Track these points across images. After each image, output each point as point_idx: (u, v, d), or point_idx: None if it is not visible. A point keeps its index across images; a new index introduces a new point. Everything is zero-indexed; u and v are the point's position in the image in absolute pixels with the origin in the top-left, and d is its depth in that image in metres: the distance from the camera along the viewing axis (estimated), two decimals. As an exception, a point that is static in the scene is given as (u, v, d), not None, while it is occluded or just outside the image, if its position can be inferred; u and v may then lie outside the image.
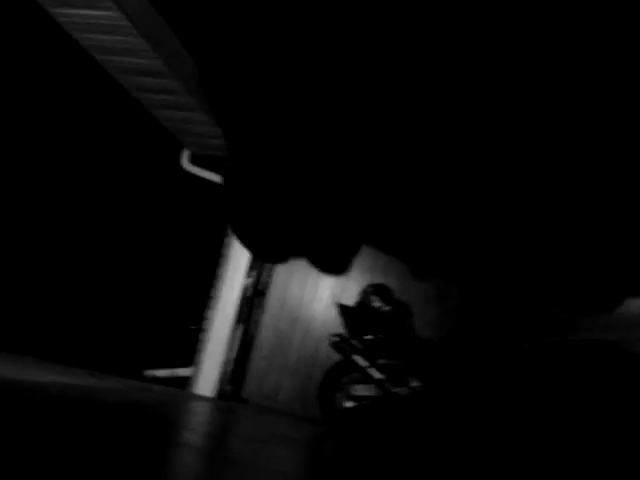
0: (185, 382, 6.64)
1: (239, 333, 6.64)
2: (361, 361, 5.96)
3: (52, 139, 7.13)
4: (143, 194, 8.57)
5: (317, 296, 6.97)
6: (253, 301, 6.80)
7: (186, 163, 7.27)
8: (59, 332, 7.46)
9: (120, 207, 8.32)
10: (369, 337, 6.12)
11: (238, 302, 6.58)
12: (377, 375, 5.93)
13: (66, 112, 7.19)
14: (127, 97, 6.31)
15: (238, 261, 6.62)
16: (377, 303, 6.28)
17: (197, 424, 4.24)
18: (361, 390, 5.96)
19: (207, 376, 6.48)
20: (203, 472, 2.63)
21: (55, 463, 2.11)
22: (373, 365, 5.96)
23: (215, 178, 7.13)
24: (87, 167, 7.75)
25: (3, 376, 4.10)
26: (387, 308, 6.28)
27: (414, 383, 5.95)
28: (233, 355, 6.60)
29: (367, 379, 5.99)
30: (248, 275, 6.64)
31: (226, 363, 6.54)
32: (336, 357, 6.50)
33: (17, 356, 5.78)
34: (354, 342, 6.10)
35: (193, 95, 5.70)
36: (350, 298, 6.69)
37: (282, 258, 6.69)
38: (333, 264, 6.52)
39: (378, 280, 6.76)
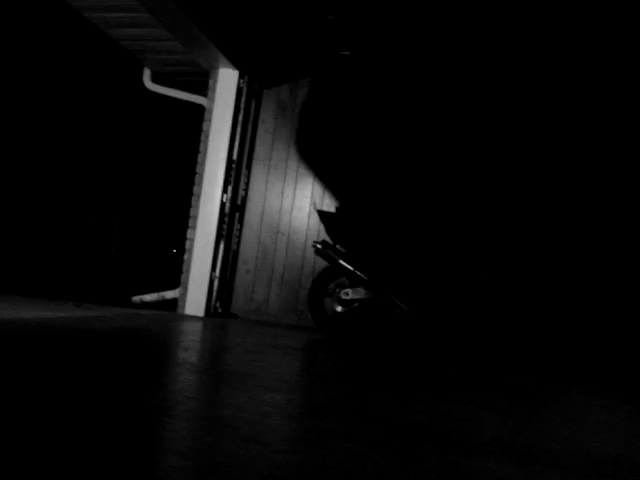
0: (173, 304, 6.64)
1: (222, 250, 6.60)
2: (347, 265, 5.97)
3: (7, 67, 6.85)
4: (108, 118, 8.36)
5: (296, 205, 6.92)
6: (232, 216, 6.75)
7: (148, 82, 7.06)
8: (42, 267, 7.39)
9: (88, 133, 8.13)
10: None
11: (217, 219, 6.51)
12: (364, 277, 5.95)
13: (19, 39, 6.89)
14: (79, 18, 6.05)
15: (213, 178, 6.51)
16: None
17: (191, 343, 4.24)
18: (350, 294, 6.00)
19: (194, 296, 6.48)
20: (204, 387, 2.63)
21: (56, 394, 2.08)
22: (359, 268, 5.97)
23: (180, 95, 6.93)
24: (47, 96, 7.50)
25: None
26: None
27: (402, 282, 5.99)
28: (218, 272, 6.59)
29: (355, 282, 6.02)
30: (224, 191, 6.55)
31: (212, 281, 6.53)
32: (322, 264, 6.51)
33: (2, 295, 5.72)
34: (338, 247, 6.10)
35: (150, 11, 5.45)
36: (330, 204, 6.66)
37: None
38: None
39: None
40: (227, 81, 6.57)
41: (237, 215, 6.85)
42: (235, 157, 6.64)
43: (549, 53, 6.27)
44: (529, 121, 6.39)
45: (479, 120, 6.51)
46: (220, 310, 6.69)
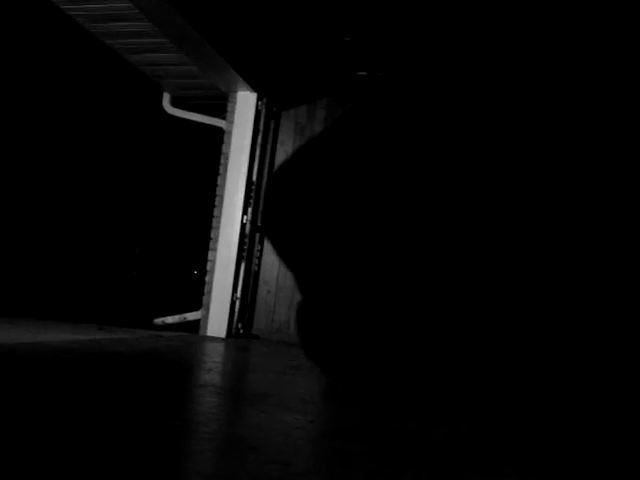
0: (195, 325, 6.67)
1: (242, 271, 6.63)
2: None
3: (28, 94, 6.97)
4: (130, 142, 8.45)
5: (316, 225, 6.93)
6: (253, 237, 6.78)
7: (168, 106, 7.15)
8: (65, 290, 7.46)
9: (111, 158, 8.22)
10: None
11: (238, 240, 6.55)
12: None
13: (39, 64, 7.01)
14: (98, 44, 6.16)
15: (233, 199, 6.56)
16: None
17: (213, 364, 4.26)
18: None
19: (216, 317, 6.50)
20: (227, 408, 2.64)
21: (83, 415, 2.10)
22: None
23: (199, 118, 7.01)
24: (74, 122, 7.61)
25: (11, 340, 4.10)
26: None
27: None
28: (239, 293, 6.61)
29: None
30: (245, 212, 6.59)
31: (233, 302, 6.56)
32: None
33: (24, 319, 5.78)
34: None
35: (169, 37, 5.54)
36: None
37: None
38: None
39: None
40: (246, 104, 6.64)
41: (257, 236, 6.88)
42: (255, 178, 6.69)
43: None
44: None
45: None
46: (242, 331, 6.70)
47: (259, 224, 6.88)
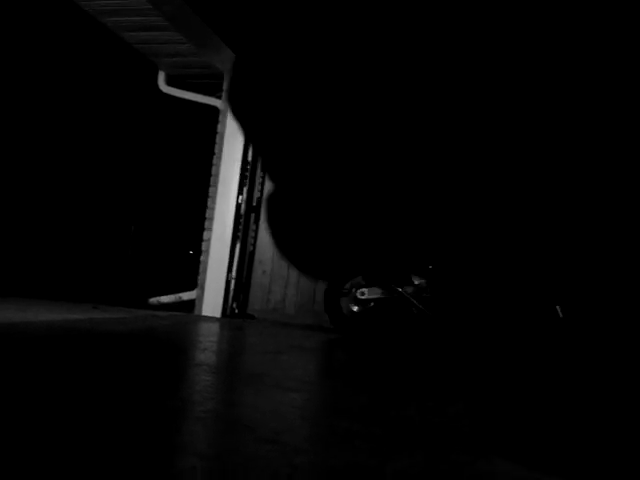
0: (191, 305, 6.68)
1: (238, 251, 6.62)
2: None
3: (20, 72, 6.91)
4: (125, 121, 8.41)
5: (312, 206, 6.91)
6: (248, 217, 6.77)
7: (163, 85, 7.10)
8: (60, 270, 7.45)
9: (105, 137, 8.18)
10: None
11: (233, 220, 6.53)
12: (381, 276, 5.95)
13: (33, 42, 6.95)
14: (92, 22, 6.10)
15: (229, 179, 6.53)
16: None
17: (209, 344, 4.26)
18: (366, 293, 6.00)
19: (211, 297, 6.51)
20: (223, 387, 2.64)
21: (77, 395, 2.10)
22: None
23: (195, 97, 6.97)
24: (68, 102, 7.55)
25: (8, 319, 4.09)
26: None
27: (417, 281, 5.98)
28: (234, 273, 6.61)
29: (371, 282, 6.02)
30: (240, 192, 6.57)
31: (228, 282, 6.56)
32: (338, 264, 6.50)
33: (20, 299, 5.77)
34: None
35: (164, 14, 5.49)
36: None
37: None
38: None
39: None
40: (241, 83, 6.60)
41: (253, 216, 6.86)
42: (250, 158, 6.66)
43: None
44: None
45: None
46: (237, 311, 6.71)
47: (254, 204, 6.86)
